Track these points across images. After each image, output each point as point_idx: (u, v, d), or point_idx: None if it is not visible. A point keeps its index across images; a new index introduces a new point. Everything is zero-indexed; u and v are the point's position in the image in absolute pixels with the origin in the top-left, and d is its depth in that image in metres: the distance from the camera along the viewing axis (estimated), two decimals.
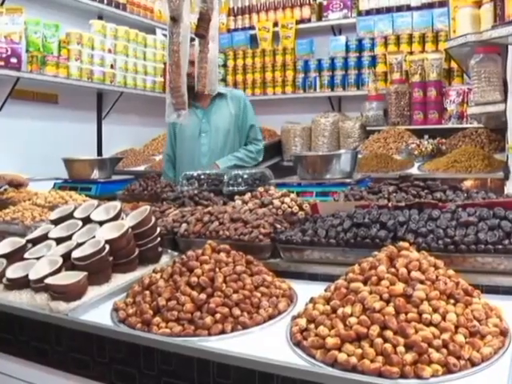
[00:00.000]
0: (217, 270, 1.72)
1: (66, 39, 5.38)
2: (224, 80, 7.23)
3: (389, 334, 1.30)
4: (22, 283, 1.91)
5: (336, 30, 6.77)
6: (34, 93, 5.45)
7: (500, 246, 1.69)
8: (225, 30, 7.37)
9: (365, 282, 1.48)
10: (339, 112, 6.64)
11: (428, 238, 1.77)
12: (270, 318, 1.63)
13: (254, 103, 6.77)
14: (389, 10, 6.30)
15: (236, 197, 2.69)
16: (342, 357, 1.29)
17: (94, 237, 2.01)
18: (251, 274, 1.76)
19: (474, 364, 1.27)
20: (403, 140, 5.38)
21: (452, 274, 1.52)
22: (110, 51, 5.88)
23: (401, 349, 1.27)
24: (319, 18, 6.74)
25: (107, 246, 1.92)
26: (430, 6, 6.06)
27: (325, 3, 6.65)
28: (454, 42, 3.53)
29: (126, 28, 6.12)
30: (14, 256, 2.06)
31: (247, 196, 2.63)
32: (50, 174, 4.29)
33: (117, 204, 2.23)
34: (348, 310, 1.40)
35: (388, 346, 1.27)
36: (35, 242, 2.15)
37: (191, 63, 4.20)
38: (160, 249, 2.17)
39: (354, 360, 1.28)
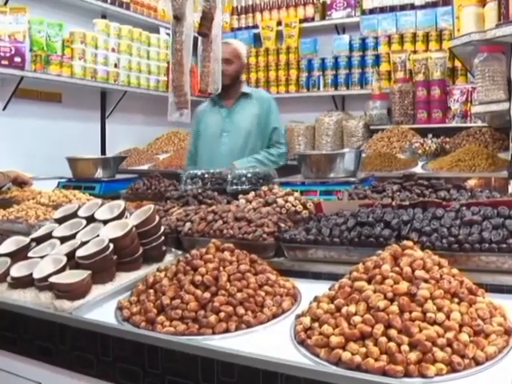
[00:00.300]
0: (221, 268, 1.72)
1: (69, 38, 5.38)
2: None
3: (393, 332, 1.30)
4: (26, 282, 1.91)
5: (340, 28, 6.77)
6: (38, 92, 5.45)
7: (504, 245, 1.68)
8: (228, 29, 7.38)
9: (369, 281, 1.48)
10: (343, 111, 6.64)
11: (432, 237, 1.77)
12: (274, 316, 1.63)
13: None
14: (392, 8, 6.29)
15: (240, 196, 2.69)
16: (346, 355, 1.29)
17: (98, 235, 2.01)
18: (255, 272, 1.76)
19: (478, 363, 1.27)
20: (407, 139, 5.37)
21: (456, 272, 1.52)
22: (113, 50, 5.88)
23: (405, 347, 1.27)
24: (323, 17, 6.74)
25: (111, 245, 1.93)
26: (434, 4, 6.06)
27: (328, 2, 6.65)
28: (457, 40, 3.53)
29: (130, 27, 6.11)
30: (18, 255, 2.06)
31: (251, 195, 2.63)
32: (53, 173, 4.29)
33: (121, 203, 2.23)
34: (352, 308, 1.40)
35: (392, 344, 1.27)
36: (39, 240, 2.15)
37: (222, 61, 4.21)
38: (164, 248, 2.18)
39: (358, 359, 1.27)
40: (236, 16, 7.39)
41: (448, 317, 1.34)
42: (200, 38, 3.07)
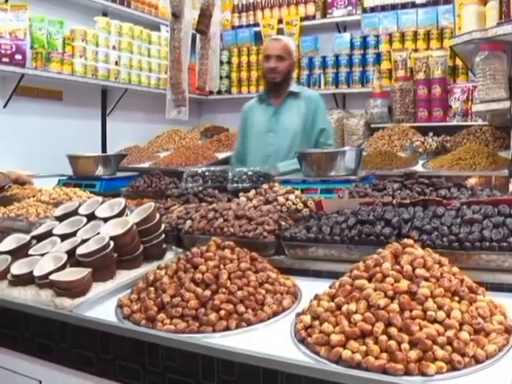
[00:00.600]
0: (221, 266, 1.72)
1: (70, 36, 5.37)
2: (228, 77, 7.24)
3: (393, 331, 1.30)
4: (26, 279, 1.91)
5: (341, 27, 6.76)
6: (39, 89, 5.45)
7: (505, 244, 1.68)
8: (229, 27, 7.39)
9: (369, 279, 1.48)
10: (343, 109, 6.63)
11: (433, 236, 1.77)
12: (275, 314, 1.63)
13: None
14: (394, 7, 6.29)
15: (240, 194, 2.69)
16: (346, 354, 1.29)
17: (98, 233, 2.01)
18: (256, 270, 1.76)
19: (478, 361, 1.27)
20: (407, 137, 5.36)
21: (456, 271, 1.52)
22: (114, 48, 5.87)
23: (405, 346, 1.27)
24: (324, 15, 6.73)
25: (112, 243, 1.93)
26: (435, 3, 6.05)
27: (329, 0, 6.64)
28: (459, 39, 3.52)
29: (131, 25, 6.11)
30: (19, 252, 2.06)
31: (252, 193, 2.63)
32: (54, 171, 4.29)
33: (121, 201, 2.23)
34: (352, 306, 1.40)
35: (392, 342, 1.27)
36: (40, 238, 2.15)
37: (267, 57, 4.16)
38: (164, 245, 2.18)
39: (358, 357, 1.28)
40: (237, 14, 7.38)
41: (448, 315, 1.34)
42: (198, 36, 3.07)
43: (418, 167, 4.64)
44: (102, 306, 1.80)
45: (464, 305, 1.39)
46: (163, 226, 2.20)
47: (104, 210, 2.17)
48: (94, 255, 1.87)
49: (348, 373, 1.25)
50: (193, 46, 3.39)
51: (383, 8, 6.34)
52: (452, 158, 4.49)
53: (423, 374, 1.23)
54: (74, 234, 2.08)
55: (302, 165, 3.38)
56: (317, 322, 1.44)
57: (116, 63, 5.88)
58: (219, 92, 7.23)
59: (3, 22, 4.67)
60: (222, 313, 1.57)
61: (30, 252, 2.05)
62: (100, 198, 2.32)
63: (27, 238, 2.14)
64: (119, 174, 4.30)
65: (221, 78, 7.19)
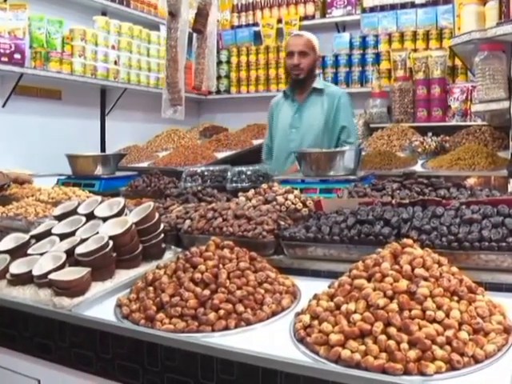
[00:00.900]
0: (220, 266, 1.72)
1: (69, 35, 5.37)
2: (228, 77, 7.23)
3: (392, 330, 1.30)
4: (25, 279, 1.91)
5: (340, 26, 6.76)
6: (38, 89, 5.44)
7: (504, 244, 1.68)
8: (228, 27, 7.38)
9: (369, 279, 1.48)
10: None
11: (432, 235, 1.77)
12: (274, 314, 1.63)
13: (257, 100, 6.86)
14: (393, 7, 6.28)
15: (239, 193, 2.69)
16: (345, 353, 1.29)
17: (97, 233, 2.01)
18: (255, 270, 1.76)
19: (477, 361, 1.27)
20: (407, 137, 5.36)
21: (456, 271, 1.52)
22: (113, 47, 5.87)
23: (404, 345, 1.27)
24: (323, 15, 6.73)
25: (111, 242, 1.93)
26: (435, 3, 6.05)
27: (329, 0, 6.64)
28: (458, 39, 3.52)
29: (130, 24, 6.10)
30: (18, 252, 2.06)
31: (251, 192, 2.63)
32: (53, 170, 4.29)
33: (120, 200, 2.23)
34: (352, 306, 1.40)
35: (392, 342, 1.27)
36: (39, 237, 2.15)
37: (290, 54, 4.17)
38: (163, 245, 2.18)
39: (357, 356, 1.28)
40: (236, 14, 7.38)
41: (447, 315, 1.34)
42: (195, 35, 3.07)
43: (417, 167, 4.64)
44: (100, 305, 1.80)
45: (463, 305, 1.39)
46: (162, 226, 2.20)
47: (103, 210, 2.17)
48: (93, 255, 1.87)
49: (347, 372, 1.25)
50: (189, 45, 3.38)
51: (382, 8, 6.34)
52: (451, 158, 4.49)
53: (422, 373, 1.23)
54: (73, 233, 2.08)
55: (301, 164, 3.37)
56: (316, 322, 1.44)
57: (115, 63, 5.87)
58: (218, 92, 7.24)
59: (2, 21, 4.66)
60: (221, 312, 1.57)
61: (29, 251, 2.05)
62: (99, 198, 2.32)
63: (26, 237, 2.14)
64: (118, 174, 4.30)
65: (220, 77, 7.20)
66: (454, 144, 4.94)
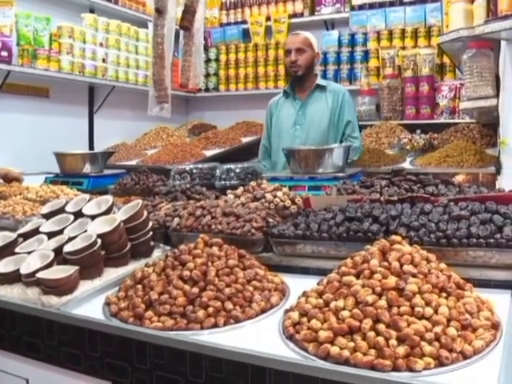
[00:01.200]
0: (209, 263, 1.72)
1: (57, 33, 5.33)
2: (216, 74, 7.22)
3: (381, 327, 1.30)
4: (13, 278, 1.90)
5: (329, 24, 6.76)
6: (25, 86, 5.40)
7: (492, 240, 1.69)
8: (217, 25, 7.36)
9: (357, 276, 1.48)
10: None
11: (420, 232, 1.78)
12: (263, 311, 1.63)
13: (246, 98, 6.87)
14: (382, 4, 6.29)
15: (228, 191, 2.69)
16: (334, 350, 1.29)
17: (85, 231, 2.00)
18: (243, 267, 1.76)
19: (465, 357, 1.27)
20: (395, 135, 5.37)
21: (444, 267, 1.53)
22: (101, 45, 5.84)
23: (393, 342, 1.27)
24: (312, 13, 6.73)
25: (99, 240, 1.92)
26: (423, 1, 6.07)
27: None
28: (446, 36, 3.53)
29: (118, 22, 6.07)
30: (5, 250, 2.05)
31: (239, 190, 2.63)
32: (41, 169, 4.26)
33: (109, 198, 2.22)
34: (340, 303, 1.40)
35: (380, 339, 1.28)
36: (26, 236, 2.14)
37: (287, 52, 4.25)
38: (152, 243, 2.17)
39: (346, 353, 1.28)
40: (225, 11, 7.36)
41: (436, 311, 1.35)
42: (182, 32, 3.06)
43: (406, 164, 4.66)
44: (89, 303, 1.79)
45: (451, 301, 1.40)
46: (151, 224, 2.20)
47: (91, 208, 2.16)
48: (81, 253, 1.86)
49: (336, 369, 1.26)
50: (176, 43, 3.36)
51: (371, 6, 6.35)
52: (439, 156, 4.50)
53: (411, 369, 1.23)
54: (61, 231, 2.07)
55: (290, 162, 3.38)
56: (305, 319, 1.44)
57: (103, 60, 5.84)
58: (207, 89, 7.22)
59: None
60: (210, 310, 1.57)
61: (17, 250, 2.04)
62: (87, 196, 2.31)
63: (14, 235, 2.13)
64: (107, 172, 4.28)
65: (209, 75, 7.19)
66: (443, 141, 4.96)
